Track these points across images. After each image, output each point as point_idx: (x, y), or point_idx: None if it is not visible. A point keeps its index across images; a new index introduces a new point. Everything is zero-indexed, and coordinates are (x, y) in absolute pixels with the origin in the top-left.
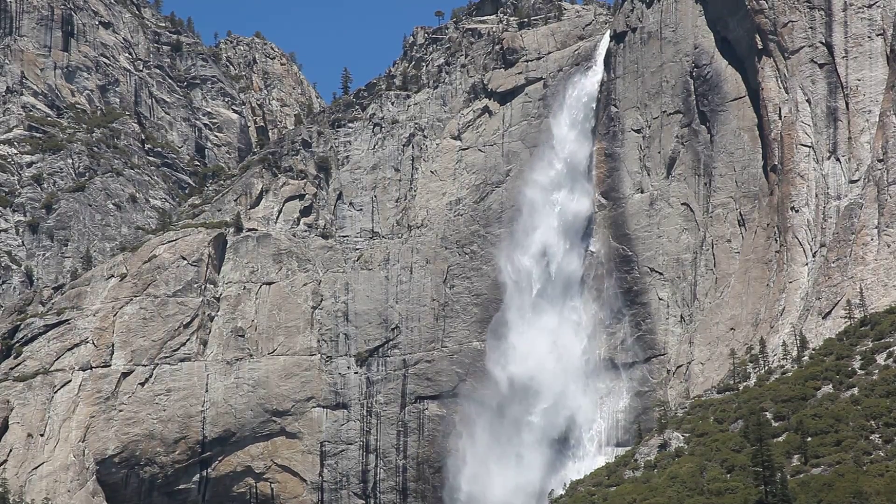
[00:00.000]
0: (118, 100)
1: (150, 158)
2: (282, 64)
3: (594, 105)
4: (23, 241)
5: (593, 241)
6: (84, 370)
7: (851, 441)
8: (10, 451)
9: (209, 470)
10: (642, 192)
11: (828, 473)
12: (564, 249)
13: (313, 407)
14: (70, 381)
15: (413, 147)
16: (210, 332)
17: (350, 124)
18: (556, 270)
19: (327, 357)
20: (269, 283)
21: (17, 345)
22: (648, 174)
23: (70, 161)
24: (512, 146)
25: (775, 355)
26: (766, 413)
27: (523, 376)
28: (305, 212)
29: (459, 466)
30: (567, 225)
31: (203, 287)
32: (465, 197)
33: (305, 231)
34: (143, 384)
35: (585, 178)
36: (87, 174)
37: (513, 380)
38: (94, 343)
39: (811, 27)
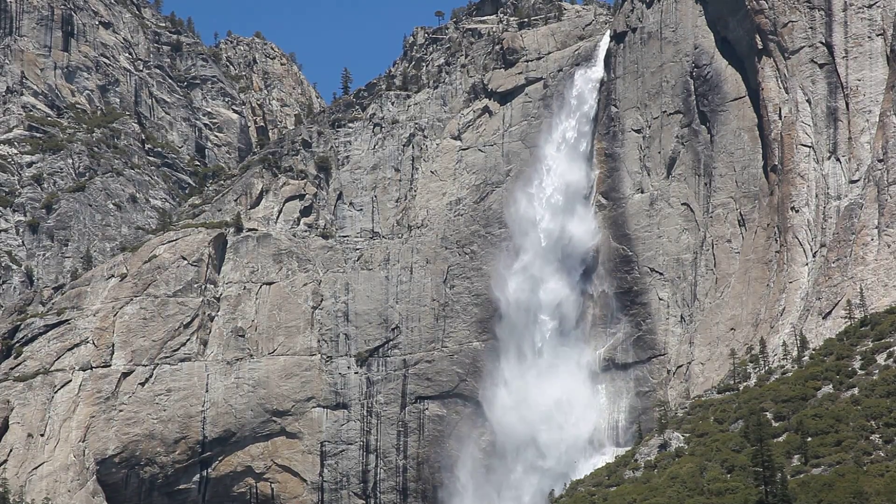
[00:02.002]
0: (118, 100)
1: (151, 158)
2: (282, 64)
3: (592, 129)
4: (23, 241)
5: (595, 280)
6: (84, 370)
7: (851, 441)
8: (11, 451)
9: (209, 470)
10: (642, 192)
11: (828, 473)
12: (563, 291)
13: (313, 407)
14: (70, 381)
15: (413, 147)
16: (210, 332)
17: (350, 124)
18: (552, 314)
19: (327, 357)
20: (270, 283)
21: (18, 345)
22: (648, 174)
23: (70, 161)
24: (512, 146)
25: (775, 355)
26: (767, 413)
27: (523, 434)
28: (305, 212)
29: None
30: (562, 260)
31: (203, 287)
32: (465, 197)
33: (305, 231)
34: (143, 384)
35: (585, 207)
36: (87, 174)
37: (508, 437)
38: (94, 343)
39: (811, 27)
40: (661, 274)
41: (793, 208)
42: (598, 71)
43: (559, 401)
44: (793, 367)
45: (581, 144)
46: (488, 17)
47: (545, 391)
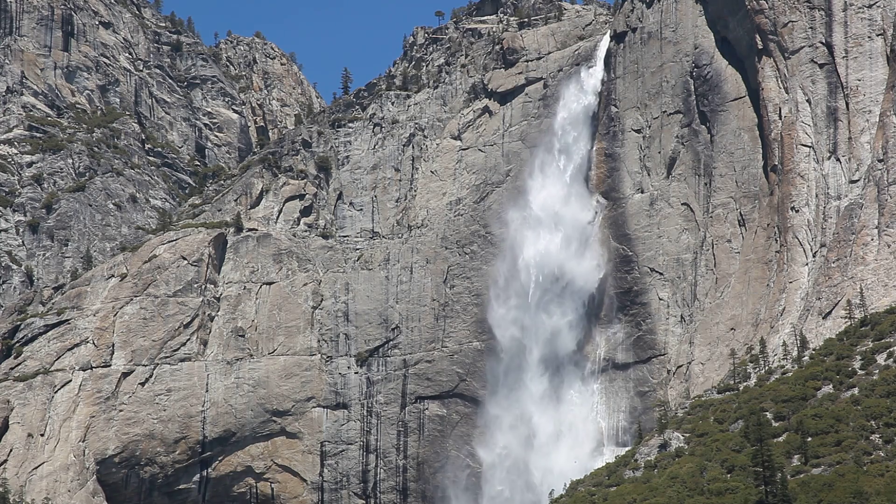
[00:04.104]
0: (118, 100)
1: (151, 158)
2: (282, 64)
3: (589, 160)
4: (23, 241)
5: (598, 328)
6: (84, 370)
7: (851, 441)
8: (11, 451)
9: (209, 470)
10: (642, 192)
11: (828, 473)
12: (558, 337)
13: (313, 407)
14: (70, 381)
15: (413, 147)
16: (210, 332)
17: (350, 124)
18: (543, 369)
19: (327, 357)
20: (270, 283)
21: (18, 345)
22: (648, 174)
23: (70, 161)
24: (512, 146)
25: (775, 355)
26: (767, 413)
27: (520, 485)
28: (305, 212)
29: None
30: (559, 305)
31: (203, 287)
32: (465, 197)
33: (305, 231)
34: (143, 384)
35: (586, 242)
36: (87, 174)
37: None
38: (94, 343)
39: (811, 27)
40: (661, 274)
41: (793, 208)
42: (598, 71)
43: (557, 428)
44: (793, 367)
45: (581, 176)
46: (488, 17)
47: (542, 424)
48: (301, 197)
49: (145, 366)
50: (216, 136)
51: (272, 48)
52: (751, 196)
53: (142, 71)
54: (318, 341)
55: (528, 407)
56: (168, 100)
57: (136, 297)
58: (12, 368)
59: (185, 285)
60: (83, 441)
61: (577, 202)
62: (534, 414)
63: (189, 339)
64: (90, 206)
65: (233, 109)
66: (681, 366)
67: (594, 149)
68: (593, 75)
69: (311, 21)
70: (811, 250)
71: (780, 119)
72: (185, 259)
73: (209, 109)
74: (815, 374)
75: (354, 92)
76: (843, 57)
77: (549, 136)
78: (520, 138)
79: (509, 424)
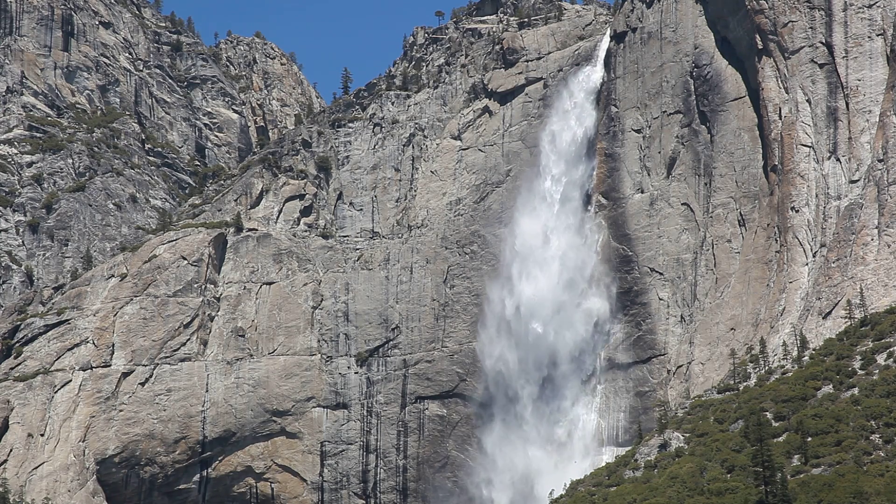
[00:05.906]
0: (118, 100)
1: (151, 158)
2: (282, 64)
3: (585, 194)
4: (23, 241)
5: (609, 331)
6: (84, 370)
7: (852, 441)
8: (11, 451)
9: (209, 470)
10: (642, 192)
11: (828, 473)
12: (570, 354)
13: (313, 407)
14: (70, 381)
15: (413, 147)
16: (210, 332)
17: (350, 124)
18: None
19: (327, 357)
20: (270, 283)
21: (18, 345)
22: (648, 174)
23: (70, 161)
24: (512, 146)
25: (775, 355)
26: (767, 413)
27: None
28: (305, 212)
29: None
30: (568, 332)
31: (203, 287)
32: (465, 197)
33: (305, 231)
34: (143, 384)
35: (587, 279)
36: (87, 174)
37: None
38: (94, 343)
39: (811, 27)
40: (661, 274)
41: (793, 208)
42: (598, 71)
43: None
44: (793, 367)
45: (583, 218)
46: (488, 17)
47: (539, 436)
48: (301, 197)
49: (145, 366)
50: (216, 136)
51: (272, 48)
52: (751, 196)
53: (142, 71)
54: (318, 341)
55: (525, 419)
56: (168, 100)
57: (136, 297)
58: (12, 368)
59: (185, 285)
60: (83, 441)
61: (573, 239)
62: (531, 433)
63: (189, 339)
64: (90, 206)
65: (233, 109)
66: (681, 366)
67: (595, 148)
68: (589, 81)
69: (311, 21)
70: (811, 250)
71: (780, 119)
72: (185, 259)
73: (209, 109)
74: (815, 374)
75: (354, 92)
76: (843, 57)
77: (537, 171)
78: (520, 138)
79: (507, 461)
